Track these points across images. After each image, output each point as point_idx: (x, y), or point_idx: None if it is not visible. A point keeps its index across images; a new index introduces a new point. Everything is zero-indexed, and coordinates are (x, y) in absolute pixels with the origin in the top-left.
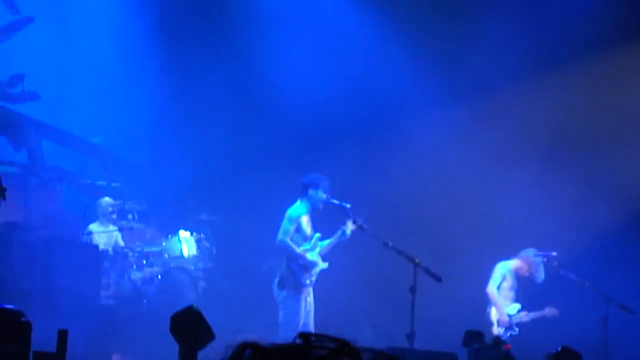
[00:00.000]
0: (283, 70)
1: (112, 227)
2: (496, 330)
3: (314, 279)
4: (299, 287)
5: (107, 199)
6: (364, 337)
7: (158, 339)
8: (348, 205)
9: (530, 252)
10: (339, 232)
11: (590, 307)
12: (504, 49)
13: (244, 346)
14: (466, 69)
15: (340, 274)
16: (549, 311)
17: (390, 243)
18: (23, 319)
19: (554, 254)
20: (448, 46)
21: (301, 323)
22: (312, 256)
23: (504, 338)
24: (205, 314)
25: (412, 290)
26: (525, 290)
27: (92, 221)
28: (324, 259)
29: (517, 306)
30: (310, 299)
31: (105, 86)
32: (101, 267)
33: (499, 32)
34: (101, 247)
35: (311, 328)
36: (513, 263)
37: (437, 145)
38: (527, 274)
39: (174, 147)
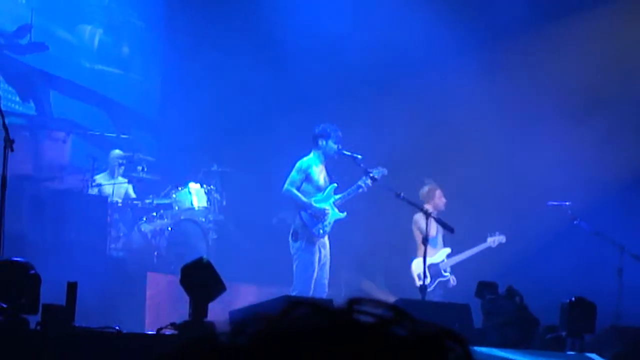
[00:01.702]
0: (299, 21)
1: (121, 179)
2: (418, 282)
3: (327, 228)
4: (311, 238)
5: (117, 151)
6: (377, 288)
7: (169, 291)
8: (359, 156)
9: (424, 191)
10: (362, 183)
11: (604, 258)
12: None
13: (297, 304)
14: (486, 19)
15: (352, 225)
16: (493, 241)
17: (402, 194)
18: (32, 272)
19: (568, 203)
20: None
21: (315, 275)
22: (323, 205)
23: (431, 287)
24: (215, 266)
25: (424, 241)
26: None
27: (100, 173)
28: (341, 209)
29: (445, 251)
30: (326, 251)
31: (114, 38)
32: (110, 219)
33: None
34: (110, 198)
35: (325, 281)
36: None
37: (456, 97)
38: (437, 209)
39: (184, 99)
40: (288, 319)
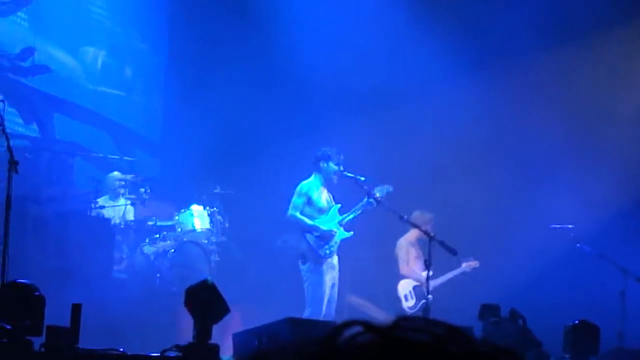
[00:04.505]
0: (300, 42)
1: (122, 201)
2: (405, 304)
3: (334, 249)
4: (318, 259)
5: (115, 173)
6: (379, 309)
7: (172, 313)
8: (362, 178)
9: (414, 216)
10: (364, 202)
11: (607, 281)
12: (524, 19)
13: (348, 323)
14: (486, 40)
15: (356, 247)
16: (467, 265)
17: (405, 216)
18: (37, 293)
19: (571, 226)
20: (468, 16)
21: (326, 295)
22: (328, 226)
23: (416, 309)
24: (218, 287)
25: (427, 263)
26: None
27: (102, 195)
28: (347, 228)
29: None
30: (335, 272)
31: (117, 61)
32: (113, 241)
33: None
34: (113, 221)
35: (333, 303)
36: (410, 234)
37: (459, 119)
38: (424, 236)
39: (186, 121)
40: (341, 338)
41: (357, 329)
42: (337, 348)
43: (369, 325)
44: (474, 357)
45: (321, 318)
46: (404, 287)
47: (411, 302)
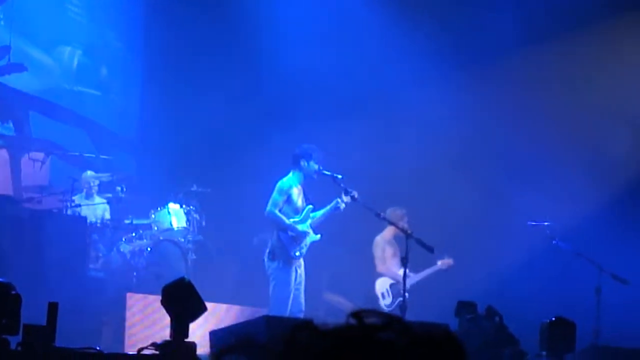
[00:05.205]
0: (280, 40)
1: (98, 200)
2: (382, 302)
3: (304, 250)
4: (288, 259)
5: (89, 172)
6: (355, 305)
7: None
8: (340, 176)
9: (388, 212)
10: (333, 204)
11: (583, 277)
12: (505, 20)
13: (300, 328)
14: (468, 41)
15: (331, 244)
16: (442, 263)
17: (382, 214)
18: (13, 292)
19: (547, 224)
20: (450, 17)
21: (292, 295)
22: (303, 227)
23: (393, 307)
24: (195, 286)
25: (404, 261)
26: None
27: (78, 194)
28: (315, 231)
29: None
30: (301, 270)
31: (93, 60)
32: (90, 239)
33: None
34: (89, 219)
35: (302, 300)
36: (387, 232)
37: (436, 116)
38: (401, 233)
39: (163, 119)
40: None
41: (305, 333)
42: (297, 346)
43: (314, 326)
44: (411, 342)
45: (286, 315)
46: (381, 285)
47: (388, 300)
